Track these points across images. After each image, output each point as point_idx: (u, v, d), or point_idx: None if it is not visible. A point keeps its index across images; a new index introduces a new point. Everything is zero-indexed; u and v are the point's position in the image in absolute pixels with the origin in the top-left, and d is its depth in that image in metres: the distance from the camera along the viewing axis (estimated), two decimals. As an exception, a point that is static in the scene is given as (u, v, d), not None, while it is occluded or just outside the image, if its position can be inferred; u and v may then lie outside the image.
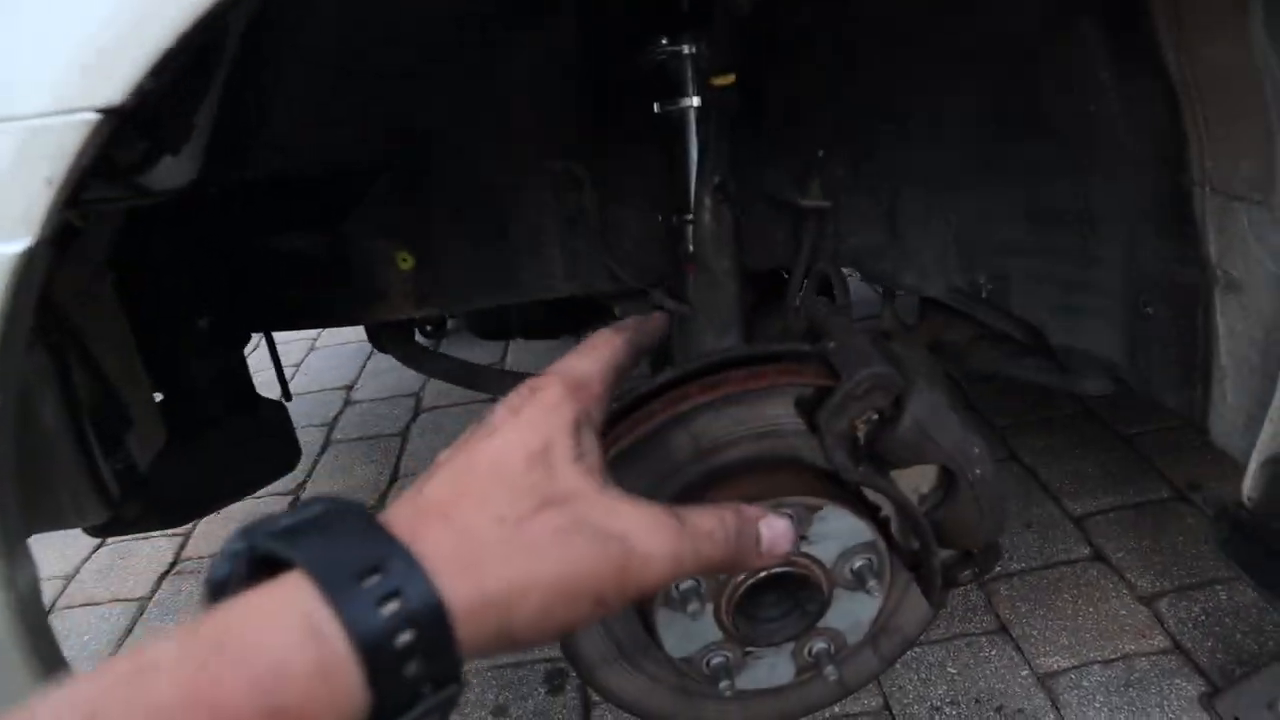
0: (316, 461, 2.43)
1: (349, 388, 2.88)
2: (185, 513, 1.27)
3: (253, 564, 0.43)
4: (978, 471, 0.88)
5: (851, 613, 0.94)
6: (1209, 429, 1.12)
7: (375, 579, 0.41)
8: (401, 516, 0.46)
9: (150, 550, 2.10)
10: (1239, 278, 1.00)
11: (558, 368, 0.56)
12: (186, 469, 1.18)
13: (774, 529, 0.57)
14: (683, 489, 0.91)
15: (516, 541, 0.46)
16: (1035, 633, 1.55)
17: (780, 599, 0.95)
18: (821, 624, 0.94)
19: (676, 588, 0.89)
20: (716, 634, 0.90)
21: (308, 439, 2.55)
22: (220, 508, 1.33)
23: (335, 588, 0.40)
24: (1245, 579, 1.11)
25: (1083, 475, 1.95)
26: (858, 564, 0.92)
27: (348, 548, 0.42)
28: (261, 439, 1.30)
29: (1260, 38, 0.85)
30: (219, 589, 0.43)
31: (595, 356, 0.58)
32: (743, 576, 0.89)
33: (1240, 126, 0.92)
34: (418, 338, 3.00)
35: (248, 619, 0.40)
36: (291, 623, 0.40)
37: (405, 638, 0.41)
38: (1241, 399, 1.06)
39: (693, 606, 0.87)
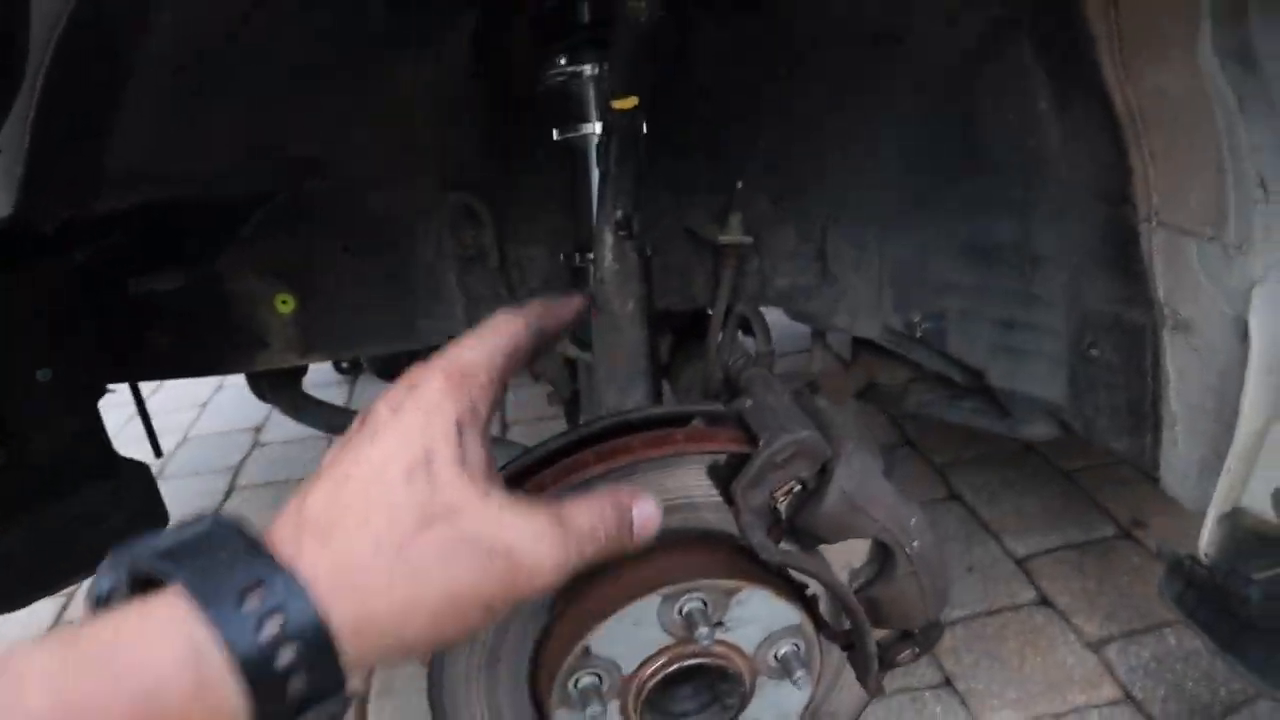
0: (219, 510, 2.26)
1: (258, 429, 2.70)
2: (25, 595, 1.11)
3: (135, 580, 0.43)
4: (915, 544, 0.77)
5: (777, 704, 0.83)
6: (1159, 477, 1.04)
7: (256, 599, 0.41)
8: (284, 536, 0.45)
9: (25, 615, 1.91)
10: (1189, 318, 0.92)
11: (442, 357, 0.52)
12: (25, 545, 1.03)
13: (644, 512, 0.56)
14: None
15: (399, 566, 0.45)
16: (981, 686, 1.46)
17: (696, 691, 0.83)
18: (744, 718, 0.83)
19: (575, 684, 0.77)
20: (624, 738, 0.78)
21: (211, 485, 2.38)
22: (72, 584, 1.18)
23: (215, 608, 0.40)
24: (1204, 641, 1.03)
25: (1024, 513, 1.88)
26: (782, 650, 0.81)
27: (229, 568, 0.42)
28: (120, 507, 1.15)
29: (1210, 59, 0.77)
30: (100, 603, 0.43)
31: (486, 342, 0.54)
32: (651, 670, 0.78)
33: (1189, 156, 0.84)
34: (334, 373, 2.85)
35: (127, 636, 0.40)
36: (171, 643, 0.40)
37: (288, 655, 0.41)
38: (1195, 447, 0.98)
39: (593, 709, 0.75)
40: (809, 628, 0.81)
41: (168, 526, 0.45)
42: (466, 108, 1.06)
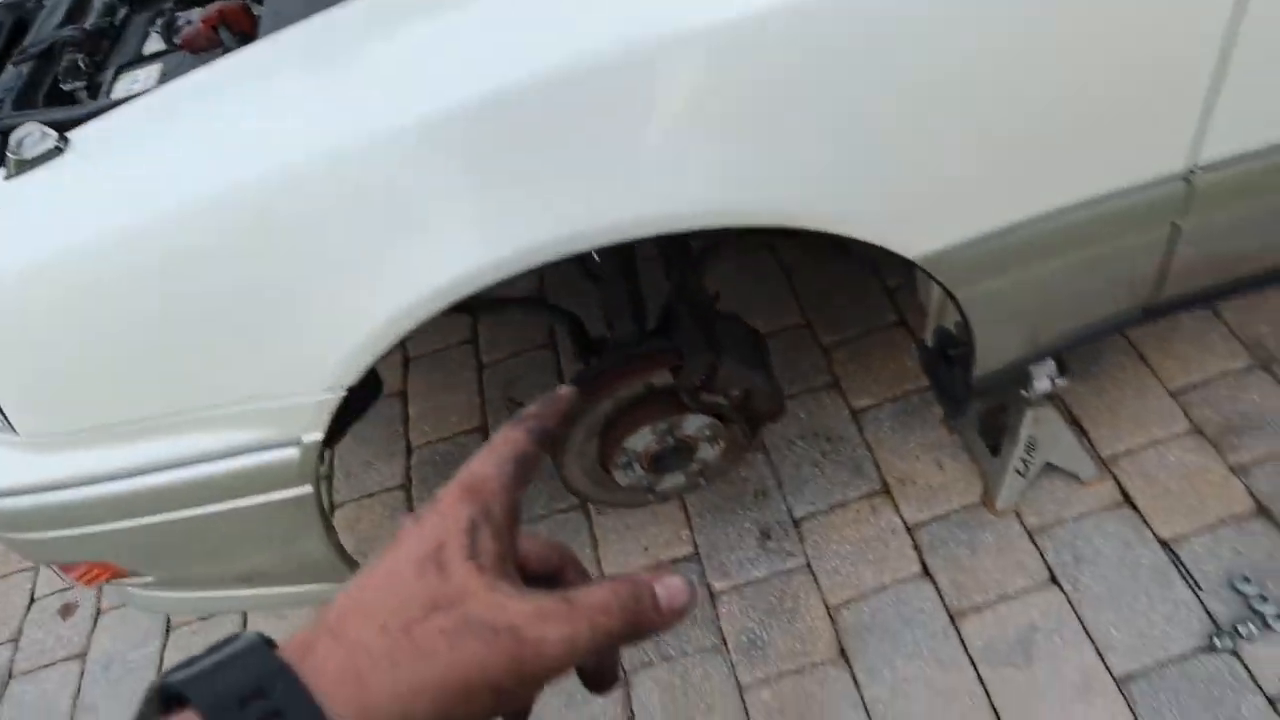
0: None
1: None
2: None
3: (167, 699, 0.44)
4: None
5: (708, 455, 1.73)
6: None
7: (259, 704, 0.42)
8: (303, 638, 0.47)
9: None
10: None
11: (458, 474, 0.56)
12: None
13: (669, 587, 0.54)
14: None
15: (403, 648, 0.46)
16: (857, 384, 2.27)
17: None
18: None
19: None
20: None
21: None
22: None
23: (219, 716, 0.42)
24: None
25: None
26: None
27: (235, 675, 0.43)
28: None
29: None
30: None
31: (494, 455, 0.57)
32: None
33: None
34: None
35: None
36: None
37: None
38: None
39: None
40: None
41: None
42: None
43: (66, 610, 2.39)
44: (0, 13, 1.91)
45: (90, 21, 1.77)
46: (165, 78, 1.48)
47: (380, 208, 1.13)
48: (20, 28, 1.86)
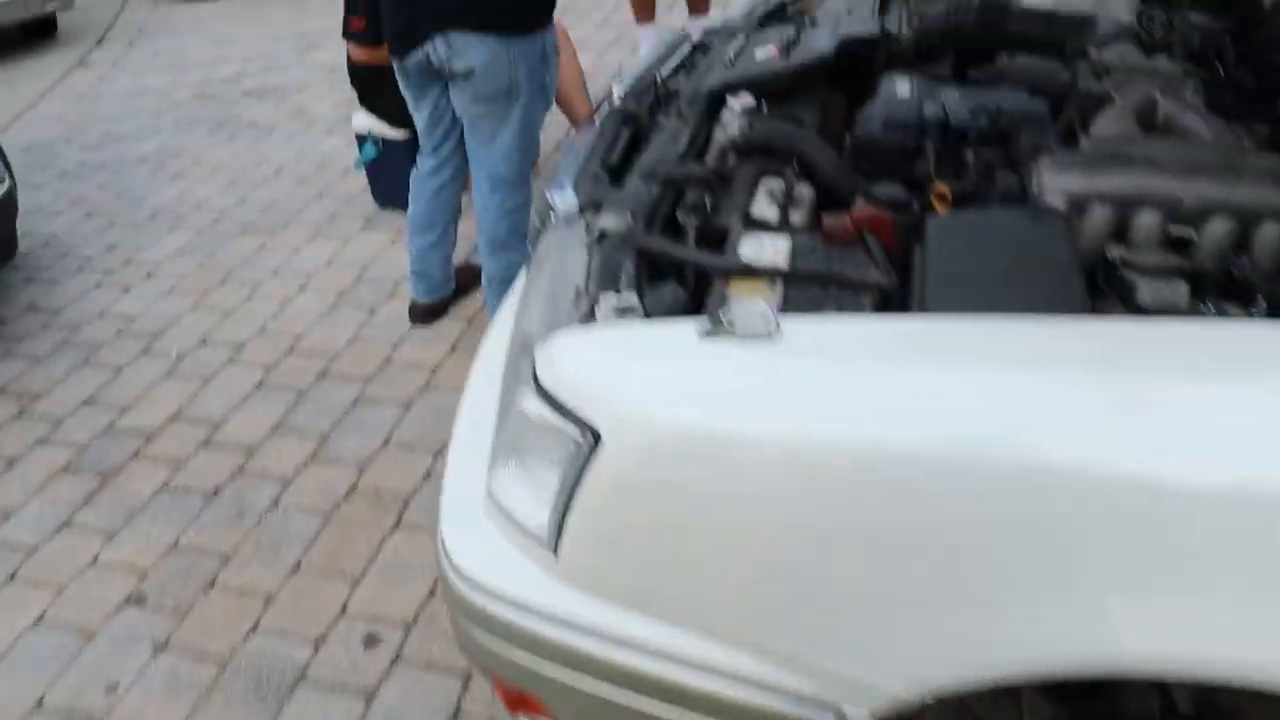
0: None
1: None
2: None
3: None
4: None
5: None
6: None
7: None
8: None
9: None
10: None
11: None
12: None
13: None
14: None
15: None
16: None
17: None
18: None
19: None
20: None
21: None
22: None
23: None
24: None
25: None
26: None
27: None
28: None
29: None
30: None
31: None
32: None
33: None
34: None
35: None
36: None
37: None
38: None
39: None
40: None
41: None
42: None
43: (369, 640, 2.38)
44: (620, 121, 2.03)
45: (711, 162, 1.86)
46: (794, 257, 1.54)
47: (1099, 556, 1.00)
48: (633, 141, 1.98)
